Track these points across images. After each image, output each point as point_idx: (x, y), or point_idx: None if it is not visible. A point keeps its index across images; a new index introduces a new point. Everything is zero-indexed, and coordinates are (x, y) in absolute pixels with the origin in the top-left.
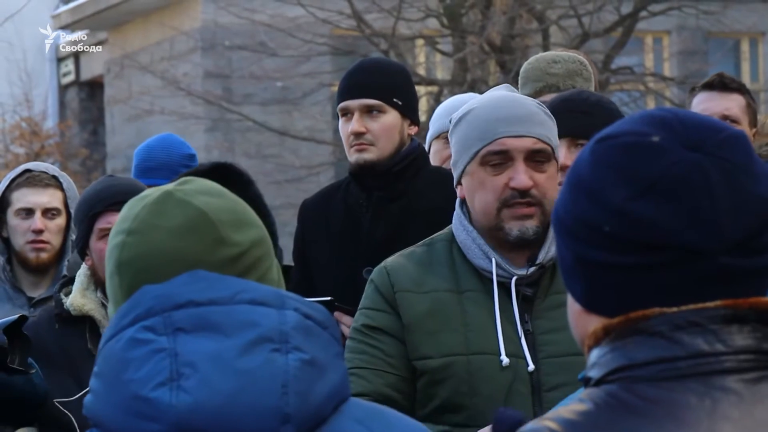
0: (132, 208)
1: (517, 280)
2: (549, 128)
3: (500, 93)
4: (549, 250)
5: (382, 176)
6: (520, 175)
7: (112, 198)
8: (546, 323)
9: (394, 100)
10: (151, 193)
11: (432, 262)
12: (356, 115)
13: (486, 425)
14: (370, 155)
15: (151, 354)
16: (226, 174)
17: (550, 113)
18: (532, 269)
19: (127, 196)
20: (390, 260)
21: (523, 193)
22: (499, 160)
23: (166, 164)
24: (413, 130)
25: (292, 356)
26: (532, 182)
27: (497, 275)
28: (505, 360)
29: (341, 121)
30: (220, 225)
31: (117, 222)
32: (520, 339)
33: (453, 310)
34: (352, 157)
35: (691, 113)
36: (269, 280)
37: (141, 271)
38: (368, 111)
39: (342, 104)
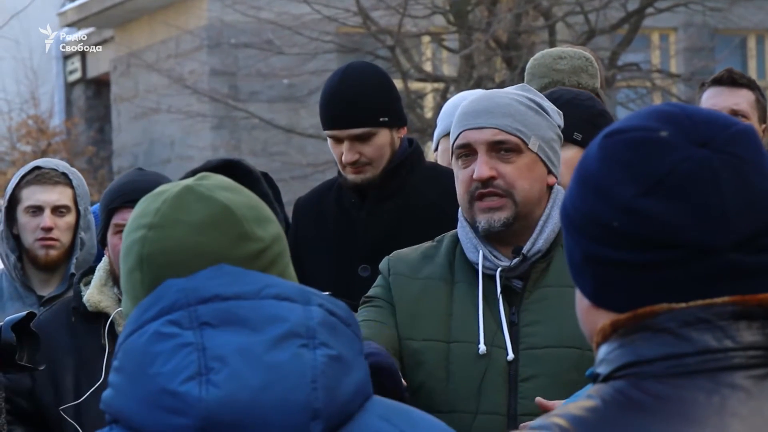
0: (151, 202)
1: (502, 271)
2: (522, 119)
3: (488, 91)
4: (535, 243)
5: (375, 185)
6: (479, 166)
7: (131, 195)
8: (530, 315)
9: (381, 119)
10: (169, 188)
11: (435, 255)
12: (347, 145)
13: (457, 411)
14: (367, 175)
15: (178, 348)
16: (234, 171)
17: (543, 108)
18: (515, 261)
19: (146, 193)
20: (397, 251)
21: (485, 183)
22: (465, 153)
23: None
24: (403, 132)
25: (319, 352)
26: (494, 172)
27: (484, 267)
28: (482, 348)
29: (329, 141)
30: (243, 220)
31: (134, 217)
32: (502, 329)
33: (441, 298)
34: (349, 176)
35: (700, 109)
36: (288, 276)
37: (164, 267)
38: (358, 138)
39: (329, 132)
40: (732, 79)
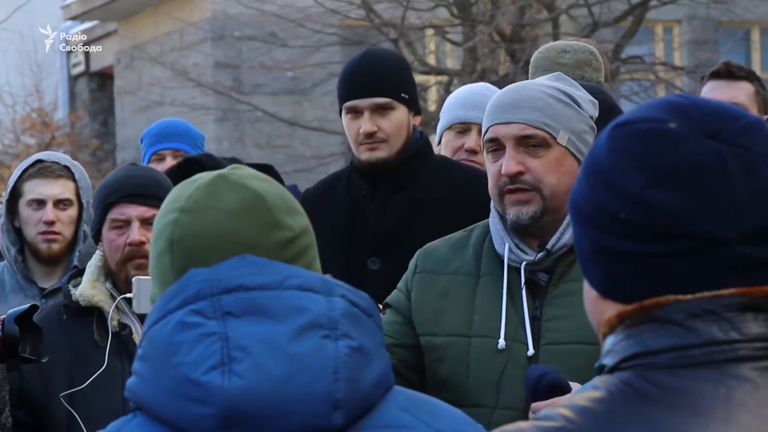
0: (184, 189)
1: (527, 265)
2: (550, 113)
3: (516, 83)
4: (561, 237)
5: (388, 169)
6: (507, 161)
7: (128, 189)
8: (553, 310)
9: (402, 95)
10: (203, 176)
11: (465, 246)
12: (366, 115)
13: (480, 406)
14: (382, 153)
15: (201, 338)
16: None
17: (574, 99)
18: (539, 255)
19: (144, 188)
20: (429, 243)
21: (513, 179)
22: (494, 147)
23: (187, 133)
24: (417, 120)
25: (341, 343)
26: (521, 167)
27: (510, 260)
28: (501, 343)
29: (346, 118)
30: (275, 209)
31: (167, 202)
32: (524, 324)
33: (466, 293)
34: (363, 155)
35: (709, 100)
36: (314, 270)
37: (194, 251)
38: (378, 109)
39: (350, 103)
40: (730, 72)
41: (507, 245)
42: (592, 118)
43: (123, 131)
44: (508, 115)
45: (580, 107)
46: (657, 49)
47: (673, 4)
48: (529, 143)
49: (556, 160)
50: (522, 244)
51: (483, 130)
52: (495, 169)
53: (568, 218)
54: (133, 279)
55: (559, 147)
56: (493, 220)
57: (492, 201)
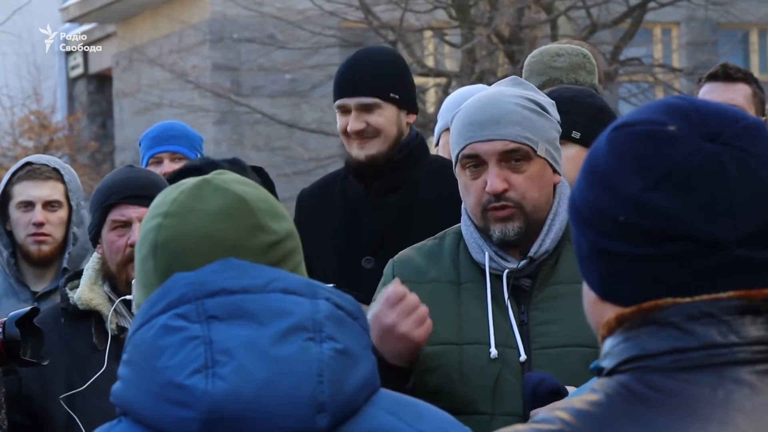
0: (169, 193)
1: (509, 273)
2: (529, 126)
3: (484, 93)
4: (542, 244)
5: (382, 167)
6: (492, 180)
7: (128, 191)
8: (541, 315)
9: (391, 95)
10: (186, 181)
11: (439, 254)
12: (354, 114)
13: (477, 413)
14: (371, 150)
15: (185, 341)
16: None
17: (543, 107)
18: (522, 263)
19: (143, 190)
20: (401, 252)
21: (498, 196)
22: (473, 163)
23: (185, 136)
24: (411, 118)
25: (326, 345)
26: (505, 185)
27: (491, 268)
28: (493, 351)
29: (338, 115)
30: (258, 212)
31: (151, 207)
32: (513, 330)
33: (450, 301)
34: (354, 151)
35: (709, 102)
36: (300, 274)
37: (178, 253)
38: (365, 108)
39: (339, 101)
40: (727, 74)
41: (487, 254)
42: (558, 122)
43: (122, 133)
44: (488, 132)
45: (549, 114)
46: (655, 50)
47: (672, 5)
48: (511, 158)
49: (537, 173)
50: (501, 251)
51: (458, 146)
52: (478, 186)
53: (548, 222)
54: (133, 282)
55: (539, 159)
56: (468, 229)
57: (466, 212)
